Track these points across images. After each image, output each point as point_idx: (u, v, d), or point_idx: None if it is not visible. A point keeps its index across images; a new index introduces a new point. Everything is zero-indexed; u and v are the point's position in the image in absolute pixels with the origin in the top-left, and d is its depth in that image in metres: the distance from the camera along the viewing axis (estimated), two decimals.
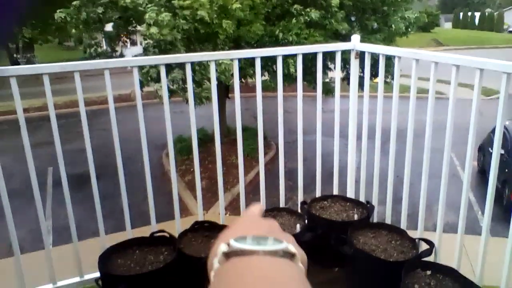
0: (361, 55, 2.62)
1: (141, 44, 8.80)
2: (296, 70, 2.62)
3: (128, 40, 9.34)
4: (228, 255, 0.43)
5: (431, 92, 2.12)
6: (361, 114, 2.64)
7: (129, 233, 2.40)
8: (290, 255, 0.43)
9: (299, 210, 2.60)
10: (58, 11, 8.23)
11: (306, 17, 7.52)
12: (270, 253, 0.42)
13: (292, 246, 0.44)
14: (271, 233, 0.48)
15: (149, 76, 6.70)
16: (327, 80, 8.49)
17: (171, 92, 6.95)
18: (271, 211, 2.59)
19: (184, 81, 6.91)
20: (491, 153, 1.97)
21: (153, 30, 6.63)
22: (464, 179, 2.05)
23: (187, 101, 6.96)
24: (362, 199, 2.70)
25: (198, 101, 6.87)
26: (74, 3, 8.10)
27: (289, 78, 6.48)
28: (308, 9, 7.48)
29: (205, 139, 7.88)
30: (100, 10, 7.88)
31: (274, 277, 0.40)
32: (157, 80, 6.71)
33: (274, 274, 0.41)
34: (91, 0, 8.04)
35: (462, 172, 7.20)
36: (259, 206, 0.59)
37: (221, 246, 0.44)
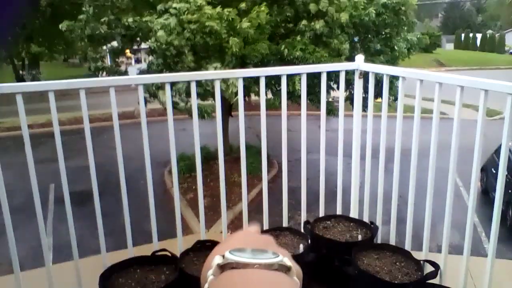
0: (365, 75, 2.63)
1: (145, 61, 8.87)
2: (300, 87, 2.64)
3: (132, 57, 9.44)
4: (222, 267, 0.42)
5: (436, 113, 2.12)
6: (365, 134, 2.64)
7: (130, 251, 2.38)
8: (286, 268, 0.43)
9: (302, 230, 2.57)
10: (64, 21, 8.34)
11: (311, 32, 7.59)
12: (265, 266, 0.42)
13: (287, 259, 0.43)
14: (267, 247, 0.47)
15: (154, 85, 6.73)
16: (330, 99, 8.53)
17: (174, 103, 6.95)
18: (274, 230, 2.57)
19: (188, 94, 6.92)
20: (494, 173, 1.97)
21: (161, 33, 6.68)
22: (469, 203, 2.03)
23: (189, 114, 6.98)
24: (365, 219, 2.68)
25: (200, 116, 6.88)
26: (79, 17, 8.23)
27: (293, 96, 6.49)
28: (313, 23, 7.55)
29: (208, 157, 7.88)
30: (104, 28, 7.97)
31: None
32: (163, 87, 6.72)
33: (268, 286, 0.40)
34: (96, 16, 8.15)
35: (465, 192, 7.14)
36: (256, 227, 0.58)
37: (215, 258, 0.43)
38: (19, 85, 2.08)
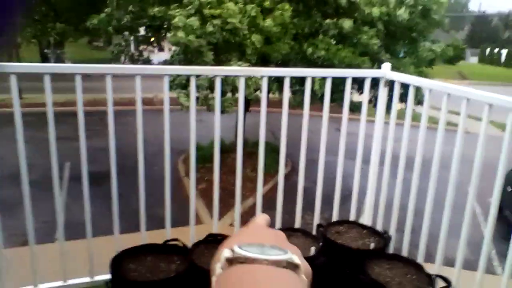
0: (390, 83, 2.61)
1: (169, 50, 8.92)
2: (320, 87, 2.63)
3: (155, 46, 9.49)
4: (231, 261, 0.43)
5: (461, 129, 2.09)
6: (385, 141, 2.62)
7: (143, 236, 2.41)
8: (294, 266, 0.43)
9: (314, 232, 2.57)
10: (91, 16, 8.43)
11: (337, 30, 7.42)
12: (273, 262, 0.42)
13: (296, 257, 0.43)
14: (277, 243, 0.48)
15: (174, 84, 6.74)
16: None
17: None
18: (286, 231, 2.57)
19: (209, 88, 6.92)
20: (509, 190, 1.94)
21: (180, 34, 6.70)
22: (488, 224, 2.01)
23: (208, 109, 6.97)
24: (379, 227, 2.66)
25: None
26: (106, 10, 8.30)
27: (314, 96, 6.42)
28: (340, 20, 7.39)
29: (222, 149, 7.86)
30: (128, 18, 8.05)
31: (274, 287, 0.40)
32: (182, 87, 6.73)
33: (275, 284, 0.41)
34: (122, 7, 8.21)
35: (478, 207, 7.03)
36: (265, 217, 0.59)
37: (224, 251, 0.43)
38: (48, 65, 2.12)
